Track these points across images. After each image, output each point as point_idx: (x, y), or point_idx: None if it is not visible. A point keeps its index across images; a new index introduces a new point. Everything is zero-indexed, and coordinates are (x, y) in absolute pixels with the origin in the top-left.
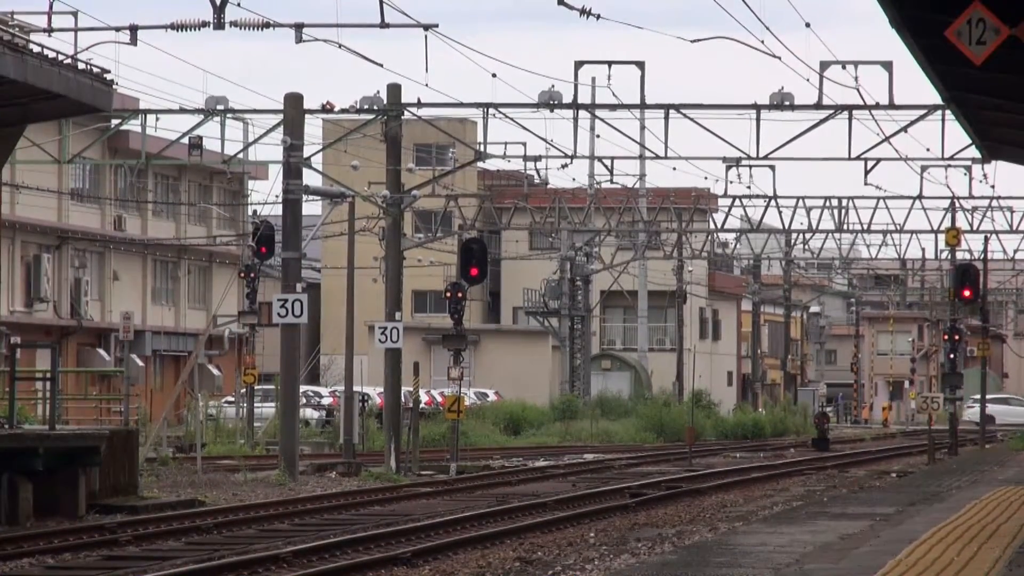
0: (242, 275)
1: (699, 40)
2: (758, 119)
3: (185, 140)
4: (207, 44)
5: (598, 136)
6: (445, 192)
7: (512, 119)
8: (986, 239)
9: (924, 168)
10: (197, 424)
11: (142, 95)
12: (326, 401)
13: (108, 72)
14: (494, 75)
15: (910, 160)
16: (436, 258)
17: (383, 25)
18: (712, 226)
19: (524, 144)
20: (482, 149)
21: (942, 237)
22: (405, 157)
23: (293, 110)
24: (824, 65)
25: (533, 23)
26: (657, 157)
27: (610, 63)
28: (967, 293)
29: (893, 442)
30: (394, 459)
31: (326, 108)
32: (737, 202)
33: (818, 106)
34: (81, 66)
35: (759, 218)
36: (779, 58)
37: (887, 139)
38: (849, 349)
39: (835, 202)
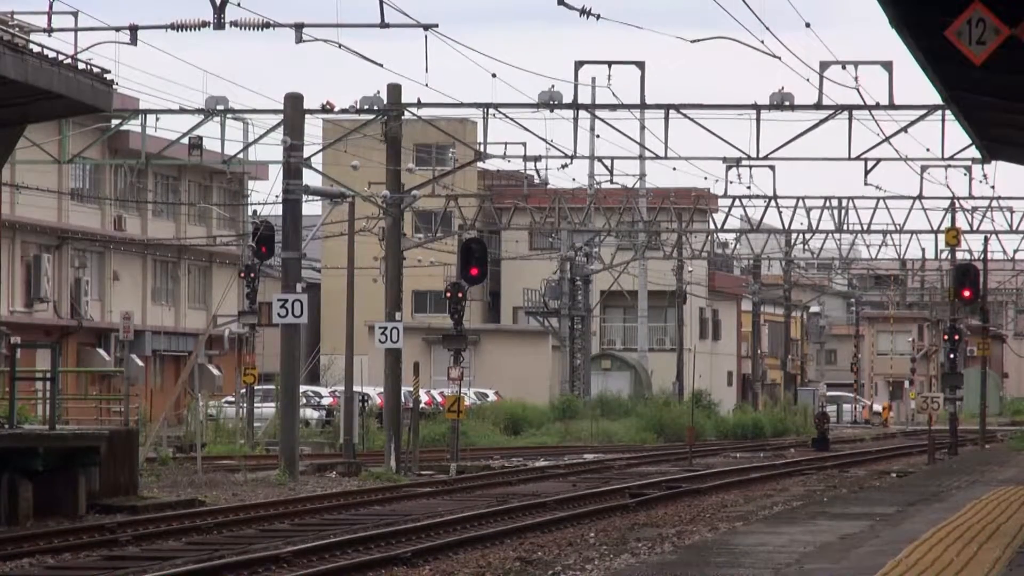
0: (242, 275)
1: (699, 40)
2: (758, 119)
3: (185, 140)
4: (207, 44)
5: (598, 136)
6: (445, 192)
7: (512, 119)
8: (986, 239)
9: (924, 168)
10: (197, 424)
11: (142, 95)
12: (326, 401)
13: (108, 72)
14: (494, 75)
15: (910, 160)
16: (436, 258)
17: (383, 25)
18: (712, 226)
19: (524, 144)
20: (482, 149)
21: (942, 237)
22: (405, 157)
23: (293, 110)
24: (824, 65)
25: (533, 23)
26: (657, 157)
27: (610, 63)
28: (967, 293)
29: (893, 442)
30: (394, 459)
31: (326, 108)
32: (737, 202)
33: (818, 106)
34: (81, 66)
35: (759, 218)
36: (779, 58)
37: (887, 139)
38: (849, 349)
39: (835, 202)
